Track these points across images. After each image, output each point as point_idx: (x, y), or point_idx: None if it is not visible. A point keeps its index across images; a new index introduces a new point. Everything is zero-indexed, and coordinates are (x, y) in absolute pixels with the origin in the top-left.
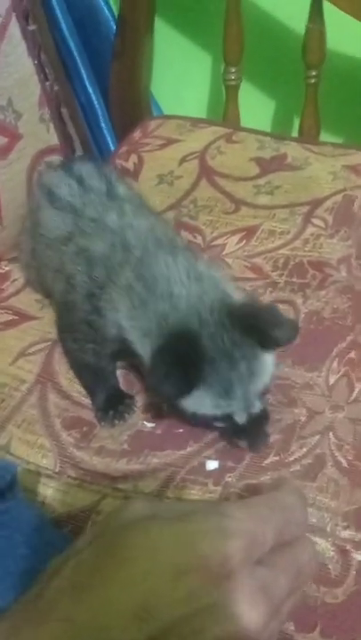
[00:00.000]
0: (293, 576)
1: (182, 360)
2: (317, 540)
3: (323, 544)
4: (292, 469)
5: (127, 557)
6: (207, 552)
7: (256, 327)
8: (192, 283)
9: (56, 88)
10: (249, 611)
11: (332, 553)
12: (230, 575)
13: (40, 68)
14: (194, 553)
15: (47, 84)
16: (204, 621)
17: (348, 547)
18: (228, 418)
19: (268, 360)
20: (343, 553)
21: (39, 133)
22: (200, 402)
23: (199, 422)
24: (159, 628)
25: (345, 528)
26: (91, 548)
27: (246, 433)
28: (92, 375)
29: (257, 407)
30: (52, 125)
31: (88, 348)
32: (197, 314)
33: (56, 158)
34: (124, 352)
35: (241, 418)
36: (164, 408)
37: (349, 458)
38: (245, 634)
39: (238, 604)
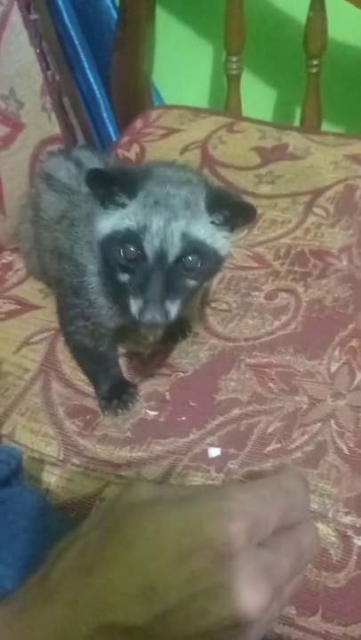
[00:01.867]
0: (295, 558)
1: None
2: (319, 525)
3: (324, 529)
4: (293, 456)
5: (132, 539)
6: (211, 533)
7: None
8: None
9: (58, 77)
10: (251, 591)
11: (333, 538)
12: (234, 556)
13: (42, 57)
14: (198, 534)
15: (49, 73)
16: (209, 602)
17: (349, 532)
18: (137, 260)
19: (217, 233)
20: (344, 538)
21: (41, 123)
22: (119, 218)
23: (109, 266)
24: (165, 609)
25: (346, 514)
26: (96, 530)
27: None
28: (93, 362)
29: (153, 321)
30: (53, 115)
31: (83, 327)
32: None
33: (57, 147)
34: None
35: (150, 252)
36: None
37: (351, 445)
38: (248, 613)
39: (241, 585)
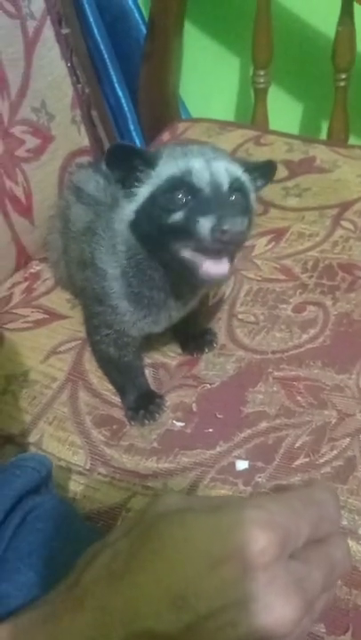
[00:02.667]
0: (327, 572)
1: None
2: (349, 542)
3: (354, 546)
4: (322, 471)
5: (163, 547)
6: (242, 543)
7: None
8: None
9: (87, 90)
10: (283, 603)
11: None
12: (264, 567)
13: (72, 71)
14: (229, 543)
15: (79, 86)
16: (240, 613)
17: None
18: (188, 202)
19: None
20: None
21: (71, 135)
22: (148, 188)
23: (153, 218)
24: (195, 617)
25: None
26: (126, 538)
27: (207, 252)
28: (119, 372)
29: (234, 225)
30: (82, 127)
31: (106, 335)
32: None
33: (86, 159)
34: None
35: (204, 183)
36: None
37: None
38: (279, 627)
39: (273, 597)
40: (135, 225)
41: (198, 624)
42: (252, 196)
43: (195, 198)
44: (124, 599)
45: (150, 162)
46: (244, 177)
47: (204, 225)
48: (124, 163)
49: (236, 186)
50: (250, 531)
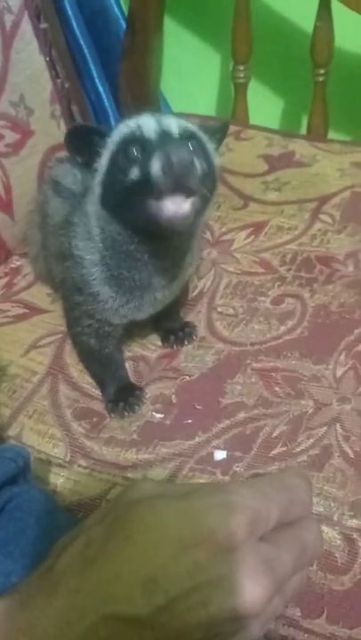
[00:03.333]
0: (297, 554)
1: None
2: (324, 528)
3: (330, 532)
4: (299, 460)
5: (135, 532)
6: (213, 526)
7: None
8: None
9: (67, 85)
10: (252, 583)
11: (338, 541)
12: (235, 548)
13: (51, 66)
14: (199, 527)
15: (58, 81)
16: (211, 593)
17: (354, 535)
18: (141, 156)
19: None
20: (350, 541)
21: (50, 130)
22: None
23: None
24: (166, 600)
25: (352, 517)
26: (100, 524)
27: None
28: (99, 364)
29: (180, 154)
30: (62, 122)
31: (88, 326)
32: None
33: (66, 153)
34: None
35: (154, 133)
36: None
37: (356, 449)
38: (249, 606)
39: (242, 577)
40: (103, 198)
41: (169, 606)
42: (210, 147)
43: (146, 150)
44: (96, 583)
45: (105, 133)
46: (198, 131)
47: (155, 165)
48: (85, 143)
49: (188, 134)
50: (220, 514)
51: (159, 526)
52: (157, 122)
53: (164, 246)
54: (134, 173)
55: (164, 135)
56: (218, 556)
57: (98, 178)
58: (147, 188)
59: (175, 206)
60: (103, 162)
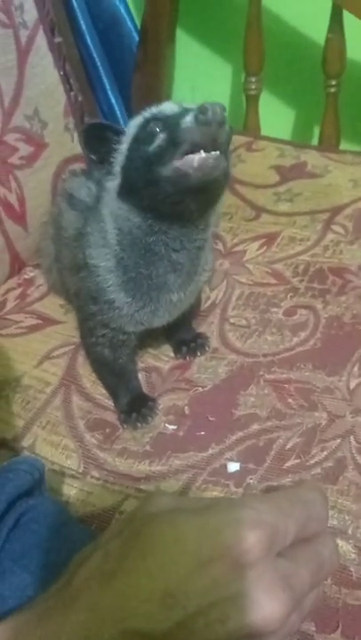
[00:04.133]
0: (314, 570)
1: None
2: (339, 542)
3: (344, 546)
4: (312, 472)
5: (153, 546)
6: (230, 542)
7: None
8: None
9: (80, 98)
10: (270, 600)
11: (353, 555)
12: (253, 565)
13: (65, 79)
14: (217, 542)
15: (72, 94)
16: (229, 609)
17: None
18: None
19: None
20: None
21: (64, 142)
22: None
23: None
24: (185, 615)
25: None
26: (118, 539)
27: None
28: (113, 375)
29: (215, 107)
30: (76, 134)
31: (102, 336)
32: None
33: (79, 166)
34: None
35: (177, 108)
36: None
37: None
38: (266, 623)
39: (260, 593)
40: (124, 186)
41: (187, 622)
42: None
43: (170, 122)
44: (115, 598)
45: (121, 129)
46: None
47: (187, 120)
48: (100, 140)
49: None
50: (238, 530)
51: (177, 541)
52: (176, 105)
53: (182, 235)
54: (161, 139)
55: (185, 110)
56: (235, 572)
57: (117, 167)
58: (175, 146)
59: (206, 154)
60: (122, 150)
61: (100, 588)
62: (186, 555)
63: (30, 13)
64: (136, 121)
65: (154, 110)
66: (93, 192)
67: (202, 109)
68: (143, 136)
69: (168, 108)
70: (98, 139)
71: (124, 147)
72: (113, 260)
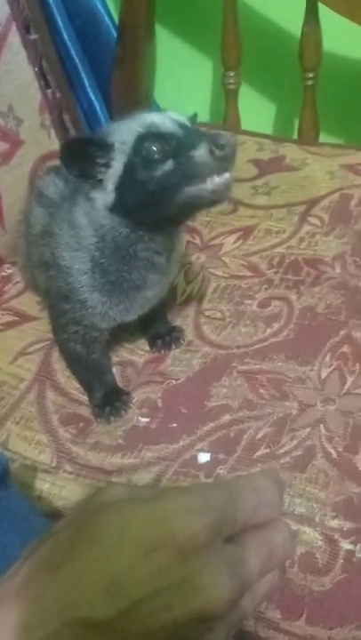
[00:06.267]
0: (265, 556)
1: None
2: (306, 529)
3: (311, 533)
4: (282, 461)
5: (98, 535)
6: (175, 528)
7: None
8: None
9: (58, 95)
10: (216, 585)
11: (320, 542)
12: (198, 551)
13: (41, 76)
14: (163, 530)
15: (49, 91)
16: (174, 596)
17: (336, 536)
18: (164, 149)
19: None
20: (331, 542)
21: (40, 139)
22: (117, 168)
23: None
24: (130, 603)
25: (333, 518)
26: (67, 529)
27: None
28: (86, 370)
29: (227, 138)
30: (52, 131)
31: (74, 332)
32: None
33: (56, 163)
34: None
35: (175, 126)
36: None
37: (339, 449)
38: (213, 608)
39: (205, 579)
40: (119, 204)
41: (132, 610)
42: None
43: (172, 144)
44: (59, 588)
45: (105, 143)
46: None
47: (202, 154)
48: (81, 156)
49: (193, 122)
50: (182, 516)
51: (123, 530)
52: (165, 116)
53: (167, 240)
54: (168, 166)
55: (182, 126)
56: (180, 558)
57: (111, 185)
58: (189, 175)
59: (222, 179)
60: (116, 167)
61: (45, 578)
62: (131, 543)
63: (2, 9)
64: (126, 134)
65: (144, 122)
66: (60, 188)
67: (217, 144)
68: (142, 157)
69: (160, 121)
70: (78, 154)
71: (117, 165)
72: (89, 264)
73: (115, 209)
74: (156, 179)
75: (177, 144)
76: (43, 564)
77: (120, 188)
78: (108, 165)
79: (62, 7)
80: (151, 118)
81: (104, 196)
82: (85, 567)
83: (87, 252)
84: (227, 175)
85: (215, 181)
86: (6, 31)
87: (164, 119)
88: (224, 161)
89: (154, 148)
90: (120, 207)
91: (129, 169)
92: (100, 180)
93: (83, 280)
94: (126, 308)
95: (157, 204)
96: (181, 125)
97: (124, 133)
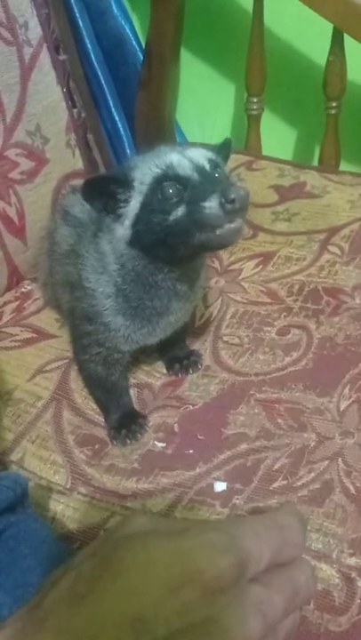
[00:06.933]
0: (289, 596)
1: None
2: (323, 566)
3: (328, 570)
4: (299, 494)
5: (124, 569)
6: (202, 566)
7: None
8: None
9: (83, 115)
10: (241, 626)
11: (337, 580)
12: (224, 590)
13: (68, 96)
14: (189, 567)
15: (75, 110)
16: (198, 635)
17: (353, 574)
18: (180, 193)
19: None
20: (348, 580)
21: (65, 158)
22: (134, 204)
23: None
24: None
25: (351, 555)
26: (90, 560)
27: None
28: (104, 391)
29: (239, 192)
30: (77, 150)
31: (96, 354)
32: None
33: (80, 182)
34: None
35: (190, 170)
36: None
37: (358, 484)
38: None
39: (231, 620)
40: (135, 239)
41: None
42: (226, 170)
43: (186, 188)
44: (84, 621)
45: (126, 180)
46: (217, 157)
47: (212, 205)
48: (101, 193)
49: (214, 164)
50: (209, 554)
51: (148, 565)
52: (185, 156)
53: (189, 269)
54: (180, 213)
55: (200, 170)
56: (206, 597)
57: (128, 222)
58: (200, 225)
59: (233, 226)
60: (133, 206)
61: (69, 611)
62: (156, 578)
63: (34, 31)
64: (145, 173)
65: (163, 161)
66: (87, 208)
67: (228, 198)
68: (157, 200)
69: (178, 162)
70: (99, 191)
71: (134, 203)
72: (113, 288)
73: (132, 244)
74: (168, 222)
75: (191, 191)
76: (66, 596)
77: (136, 225)
78: (127, 201)
79: (91, 29)
80: (170, 159)
81: (123, 230)
82: (110, 601)
83: (110, 277)
84: (237, 223)
85: (225, 228)
86: (37, 52)
87: (182, 161)
88: (234, 214)
89: (170, 191)
90: (136, 242)
91: (145, 209)
92: (120, 215)
93: (107, 303)
94: (149, 331)
95: (170, 244)
96: (199, 169)
97: (143, 171)
